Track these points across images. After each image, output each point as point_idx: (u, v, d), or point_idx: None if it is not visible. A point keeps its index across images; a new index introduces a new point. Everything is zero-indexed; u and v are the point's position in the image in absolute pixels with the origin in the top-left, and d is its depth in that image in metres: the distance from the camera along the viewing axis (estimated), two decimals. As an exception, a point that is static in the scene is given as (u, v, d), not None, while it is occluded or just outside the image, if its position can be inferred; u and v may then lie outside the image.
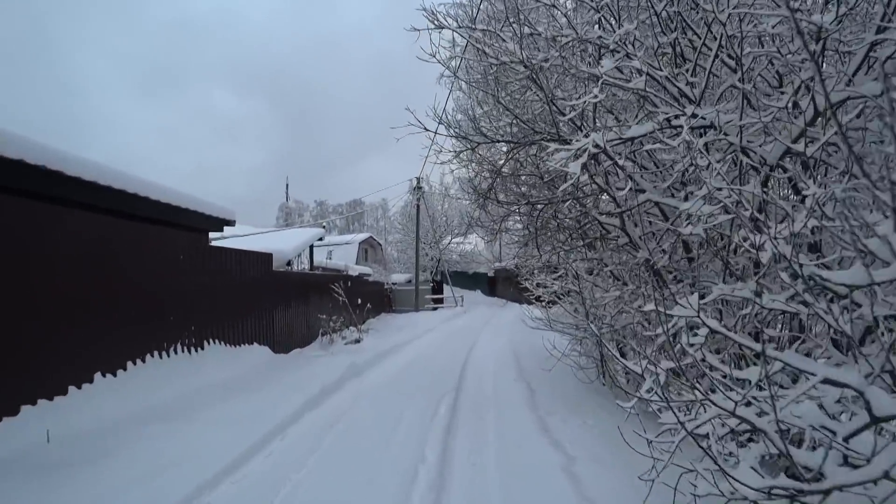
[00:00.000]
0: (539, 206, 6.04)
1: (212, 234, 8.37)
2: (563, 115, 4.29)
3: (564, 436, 4.51)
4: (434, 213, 28.98)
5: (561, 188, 3.79)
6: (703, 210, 2.77)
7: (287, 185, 54.89)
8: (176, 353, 6.42)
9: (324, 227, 20.78)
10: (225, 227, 8.47)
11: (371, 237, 37.72)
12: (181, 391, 5.76)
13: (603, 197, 5.43)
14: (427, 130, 5.98)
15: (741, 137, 2.92)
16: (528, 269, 9.89)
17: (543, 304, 9.06)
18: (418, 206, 24.85)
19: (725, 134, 2.99)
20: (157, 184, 6.80)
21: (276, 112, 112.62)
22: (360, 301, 17.56)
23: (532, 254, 7.85)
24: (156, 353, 6.07)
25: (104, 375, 5.25)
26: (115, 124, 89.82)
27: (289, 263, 11.96)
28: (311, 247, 15.69)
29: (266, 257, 9.40)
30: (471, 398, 6.19)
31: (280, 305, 9.97)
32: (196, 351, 6.88)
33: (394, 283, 26.00)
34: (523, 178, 7.04)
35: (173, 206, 6.91)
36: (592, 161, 4.02)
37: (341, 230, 73.01)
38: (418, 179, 24.79)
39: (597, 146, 2.93)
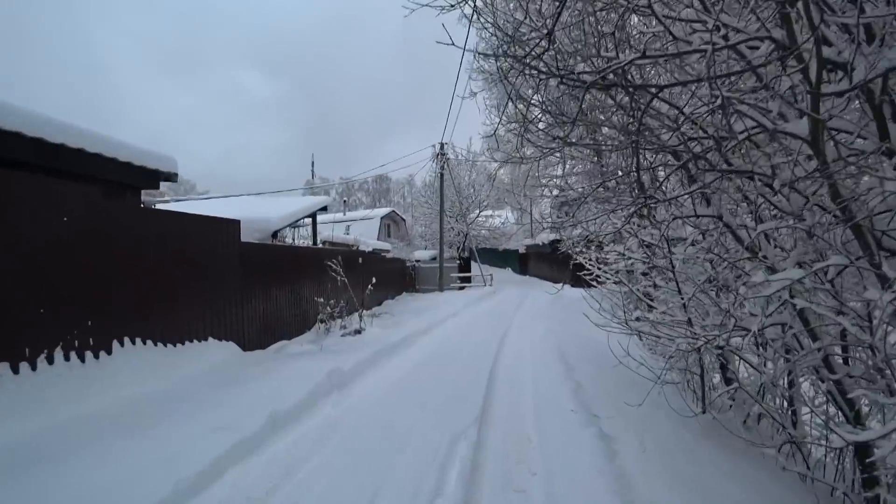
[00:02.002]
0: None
1: (188, 201, 6.13)
2: None
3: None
4: (460, 183, 26.34)
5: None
6: None
7: (312, 163, 53.31)
8: (52, 362, 4.22)
9: (328, 195, 18.50)
10: (165, 183, 6.21)
11: (394, 212, 35.53)
12: (26, 432, 3.55)
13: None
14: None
15: None
16: (584, 239, 7.32)
17: (606, 285, 6.54)
18: (442, 175, 22.27)
19: None
20: (36, 113, 4.55)
21: (301, 91, 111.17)
22: (374, 281, 15.37)
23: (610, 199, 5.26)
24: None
25: None
26: (140, 105, 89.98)
27: (275, 235, 9.71)
28: (315, 218, 13.44)
29: (230, 226, 7.13)
30: (500, 450, 3.77)
31: (255, 287, 7.75)
32: (97, 356, 4.69)
33: (417, 261, 23.73)
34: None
35: (65, 147, 4.65)
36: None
37: (368, 207, 71.52)
38: (442, 145, 22.16)
39: None
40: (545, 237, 30.04)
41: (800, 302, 2.93)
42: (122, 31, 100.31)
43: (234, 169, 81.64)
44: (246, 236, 8.61)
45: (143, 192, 6.37)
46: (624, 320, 4.56)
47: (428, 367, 6.74)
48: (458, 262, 25.52)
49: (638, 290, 5.29)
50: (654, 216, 4.59)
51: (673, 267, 4.53)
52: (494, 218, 30.19)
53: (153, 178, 6.02)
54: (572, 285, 24.28)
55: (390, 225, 34.95)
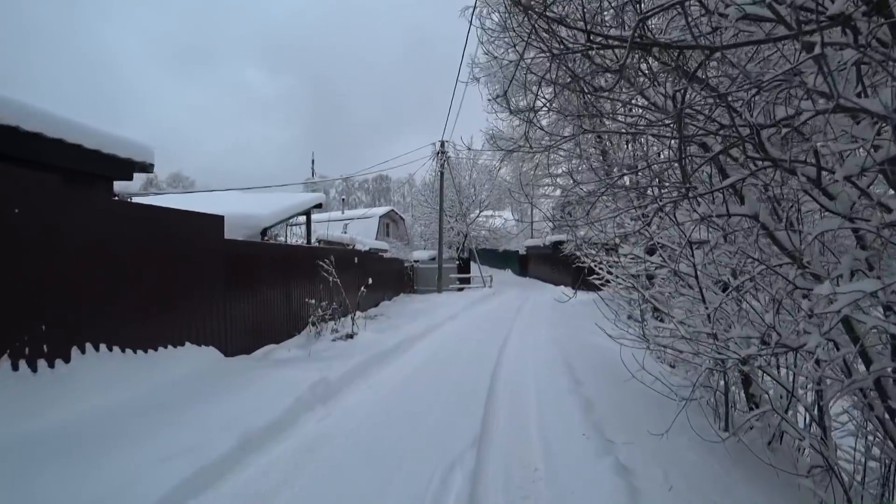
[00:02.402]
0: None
1: (177, 196, 5.62)
2: None
3: None
4: (461, 182, 25.85)
5: None
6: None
7: (313, 161, 52.75)
8: (-6, 373, 3.73)
9: (321, 192, 18.03)
10: (139, 174, 5.71)
11: (392, 211, 35.03)
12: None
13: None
14: None
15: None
16: (587, 242, 6.81)
17: (616, 290, 6.05)
18: (441, 173, 21.77)
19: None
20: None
21: (307, 89, 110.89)
22: (370, 281, 14.88)
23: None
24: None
25: None
26: (147, 101, 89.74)
27: (264, 233, 9.22)
28: (309, 215, 12.95)
29: (212, 221, 6.62)
30: (501, 482, 3.26)
31: (240, 288, 7.25)
32: (52, 365, 4.19)
33: (416, 261, 23.22)
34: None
35: (19, 131, 4.16)
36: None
37: (368, 206, 71.17)
38: (442, 143, 21.67)
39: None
40: (546, 238, 29.59)
41: (866, 318, 2.45)
42: (131, 28, 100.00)
43: (237, 166, 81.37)
44: (233, 233, 8.12)
45: (140, 186, 5.86)
46: (641, 333, 4.06)
47: (422, 377, 6.25)
48: (457, 262, 25.02)
49: (653, 296, 4.81)
50: (674, 215, 4.11)
51: (697, 273, 4.04)
52: (495, 218, 29.68)
53: (126, 168, 5.53)
54: (574, 288, 23.90)
55: (389, 224, 34.45)
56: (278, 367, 6.21)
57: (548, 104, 4.97)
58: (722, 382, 4.38)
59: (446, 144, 21.72)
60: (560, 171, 13.36)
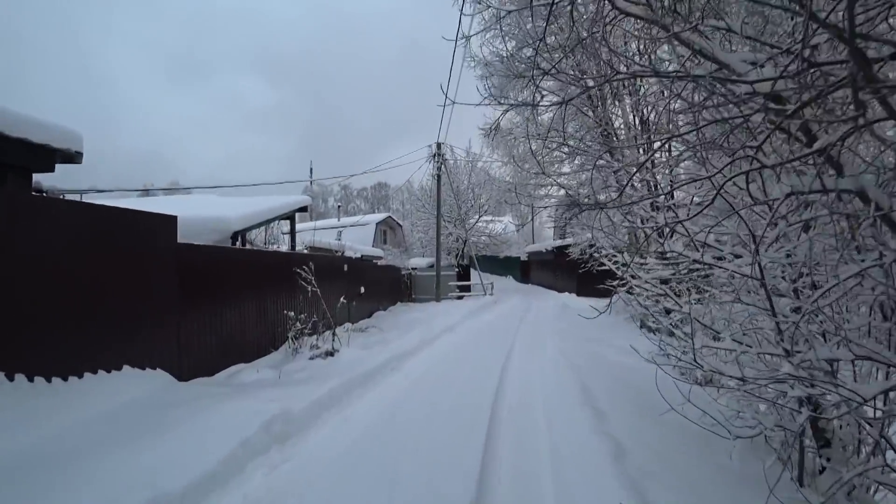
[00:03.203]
0: None
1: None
2: None
3: None
4: (459, 186, 24.90)
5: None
6: None
7: (311, 170, 51.95)
8: None
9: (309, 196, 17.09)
10: (66, 165, 4.72)
11: (390, 217, 34.11)
12: None
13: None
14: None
15: None
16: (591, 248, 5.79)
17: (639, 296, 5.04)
18: (438, 177, 20.80)
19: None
20: None
21: (304, 99, 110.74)
22: (362, 290, 13.89)
23: None
24: None
25: None
26: (144, 113, 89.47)
27: (236, 238, 8.23)
28: (293, 220, 11.97)
29: (161, 223, 5.61)
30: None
31: (199, 299, 6.25)
32: None
33: (413, 268, 22.21)
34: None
35: None
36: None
37: (366, 214, 70.24)
38: (438, 145, 20.73)
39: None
40: (548, 243, 28.56)
41: None
42: (129, 41, 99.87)
43: (236, 175, 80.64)
44: (196, 237, 7.15)
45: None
46: (691, 355, 3.04)
47: (408, 407, 5.21)
48: (456, 269, 23.98)
49: (693, 305, 3.81)
50: (748, 190, 3.11)
51: (762, 275, 3.03)
52: (495, 223, 28.69)
53: (45, 157, 4.56)
54: (577, 294, 22.82)
55: (386, 231, 33.51)
56: (237, 395, 5.18)
57: (554, 67, 4.00)
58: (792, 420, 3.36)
59: (443, 146, 20.80)
60: (565, 168, 12.39)
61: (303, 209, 11.91)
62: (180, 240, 5.91)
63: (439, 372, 6.83)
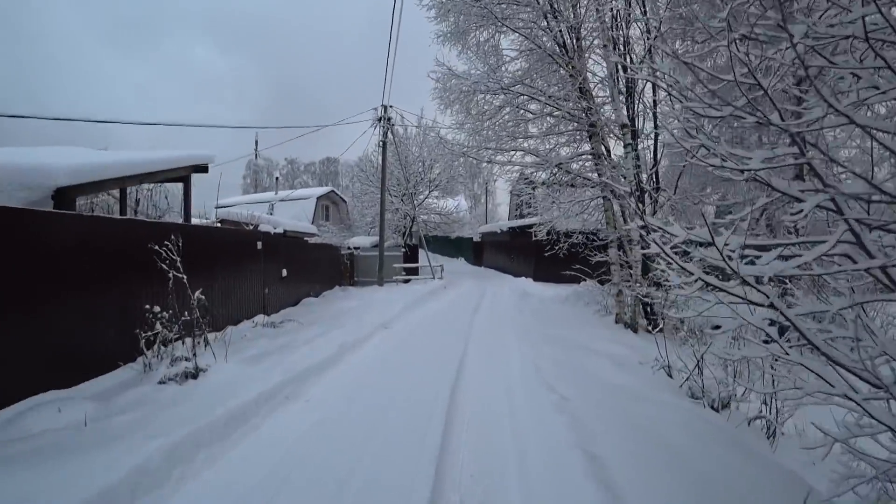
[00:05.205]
0: None
1: None
2: None
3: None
4: (408, 157, 22.42)
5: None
6: None
7: (256, 142, 47.51)
8: None
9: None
10: None
11: (333, 192, 31.13)
12: None
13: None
14: None
15: None
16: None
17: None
18: (384, 144, 18.25)
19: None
20: None
21: (258, 69, 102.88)
22: (284, 274, 11.38)
23: None
24: None
25: None
26: (83, 77, 79.49)
27: (61, 198, 5.53)
28: (188, 182, 9.22)
29: None
30: None
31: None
32: None
33: (356, 248, 19.69)
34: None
35: None
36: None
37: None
38: (385, 108, 18.13)
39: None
40: (504, 224, 26.70)
41: None
42: None
43: (187, 142, 73.68)
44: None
45: None
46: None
47: (288, 494, 2.96)
48: (403, 250, 21.60)
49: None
50: None
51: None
52: (447, 200, 26.48)
53: None
54: (535, 279, 21.10)
55: (329, 207, 30.55)
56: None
57: None
58: None
59: (391, 110, 18.22)
60: (532, 130, 10.28)
61: (200, 169, 9.16)
62: None
63: (357, 404, 4.58)
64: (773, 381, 4.44)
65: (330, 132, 27.14)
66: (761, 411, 4.60)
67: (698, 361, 5.53)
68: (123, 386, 4.86)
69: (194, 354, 4.99)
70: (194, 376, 4.77)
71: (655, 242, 2.32)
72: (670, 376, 6.14)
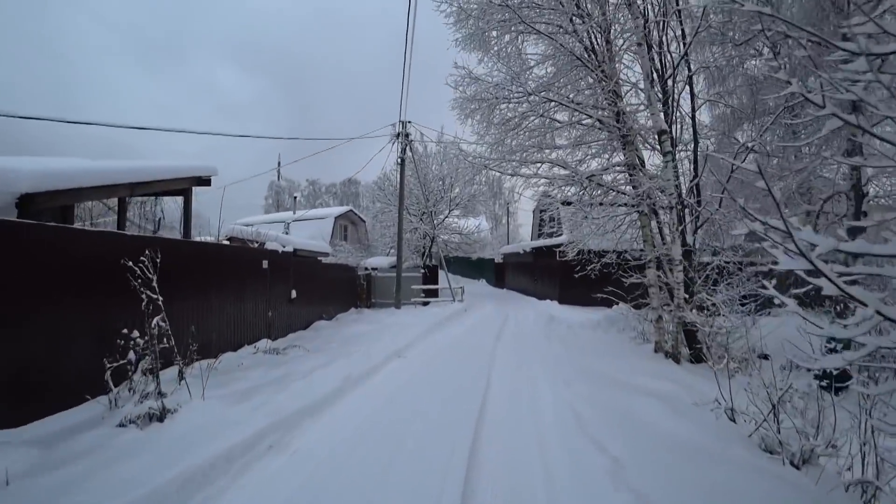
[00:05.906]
0: None
1: None
2: None
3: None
4: (427, 175, 21.80)
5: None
6: None
7: (279, 163, 47.92)
8: None
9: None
10: None
11: (351, 211, 30.70)
12: None
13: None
14: None
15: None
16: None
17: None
18: (402, 161, 17.65)
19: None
20: None
21: (280, 91, 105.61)
22: (293, 295, 10.66)
23: None
24: None
25: None
26: (112, 96, 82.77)
27: (28, 206, 4.87)
28: (188, 196, 8.62)
29: None
30: None
31: None
32: None
33: (374, 268, 18.96)
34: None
35: None
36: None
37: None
38: (403, 124, 17.59)
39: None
40: (527, 244, 25.72)
41: None
42: (98, 20, 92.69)
43: (211, 163, 75.19)
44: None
45: None
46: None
47: None
48: (422, 271, 20.78)
49: None
50: None
51: None
52: (468, 220, 25.68)
53: None
54: (560, 302, 19.92)
55: (347, 227, 30.10)
56: None
57: None
58: None
59: (408, 126, 17.66)
60: (560, 141, 9.45)
61: (203, 181, 8.58)
62: None
63: (351, 466, 3.66)
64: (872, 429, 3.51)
65: (350, 153, 26.76)
66: (851, 466, 3.62)
67: (775, 405, 4.51)
68: (81, 427, 4.07)
69: (159, 392, 4.17)
70: (160, 419, 3.95)
71: (802, 254, 1.41)
72: (733, 420, 5.11)
